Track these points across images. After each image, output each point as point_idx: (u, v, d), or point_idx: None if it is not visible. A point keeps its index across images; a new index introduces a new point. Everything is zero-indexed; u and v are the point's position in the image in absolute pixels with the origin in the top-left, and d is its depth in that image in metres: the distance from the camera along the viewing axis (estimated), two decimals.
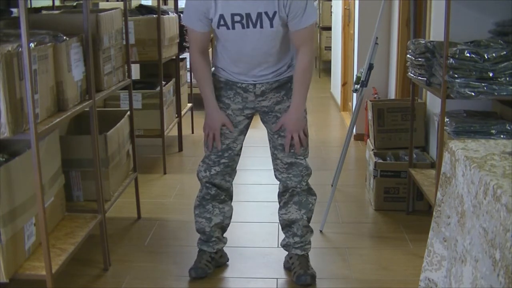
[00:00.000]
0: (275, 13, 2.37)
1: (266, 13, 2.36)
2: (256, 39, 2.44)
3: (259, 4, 2.35)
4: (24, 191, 2.17)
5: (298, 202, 2.70)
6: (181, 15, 4.86)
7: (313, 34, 2.54)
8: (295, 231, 2.74)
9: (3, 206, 2.02)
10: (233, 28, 2.41)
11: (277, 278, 2.78)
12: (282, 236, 2.85)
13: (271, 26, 2.39)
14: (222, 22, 2.40)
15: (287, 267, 2.83)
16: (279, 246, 2.93)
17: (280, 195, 2.76)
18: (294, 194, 2.70)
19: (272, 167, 2.74)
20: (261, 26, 2.39)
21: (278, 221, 2.83)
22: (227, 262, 2.91)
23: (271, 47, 2.49)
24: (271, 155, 2.71)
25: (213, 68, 2.68)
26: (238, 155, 2.72)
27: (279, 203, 2.78)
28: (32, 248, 2.27)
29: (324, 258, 2.98)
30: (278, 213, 2.78)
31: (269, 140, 2.71)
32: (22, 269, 2.17)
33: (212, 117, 2.60)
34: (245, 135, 2.73)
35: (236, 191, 2.86)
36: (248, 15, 2.37)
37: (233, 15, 2.37)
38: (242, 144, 2.72)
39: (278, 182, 2.75)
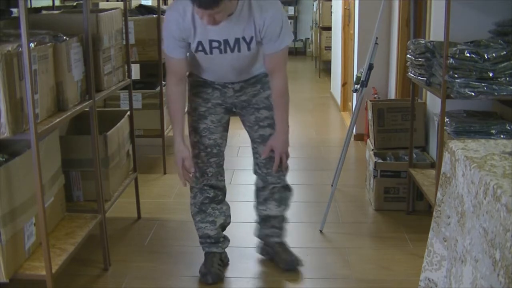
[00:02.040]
0: (252, 38, 2.41)
1: (243, 38, 2.40)
2: (234, 60, 2.48)
3: (236, 30, 2.38)
4: (24, 191, 2.17)
5: (278, 199, 2.77)
6: None
7: (286, 57, 2.55)
8: (274, 224, 2.82)
9: (3, 206, 2.02)
10: (211, 53, 2.45)
11: (277, 278, 2.79)
12: None
13: (249, 49, 2.44)
14: (200, 48, 2.44)
15: (265, 254, 2.91)
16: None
17: (260, 190, 2.79)
18: (275, 191, 2.75)
19: (253, 162, 2.76)
20: (239, 50, 2.44)
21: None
22: (228, 262, 2.91)
23: (247, 63, 2.54)
24: (252, 149, 2.74)
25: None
26: (224, 150, 2.74)
27: (258, 198, 2.82)
28: (32, 248, 2.27)
29: (324, 258, 2.98)
30: (256, 207, 2.83)
31: (248, 134, 2.72)
32: (22, 269, 2.18)
33: (177, 150, 2.57)
34: (227, 131, 2.74)
35: (236, 191, 2.86)
36: (226, 41, 2.41)
37: (211, 41, 2.41)
38: (226, 141, 2.73)
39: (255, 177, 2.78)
